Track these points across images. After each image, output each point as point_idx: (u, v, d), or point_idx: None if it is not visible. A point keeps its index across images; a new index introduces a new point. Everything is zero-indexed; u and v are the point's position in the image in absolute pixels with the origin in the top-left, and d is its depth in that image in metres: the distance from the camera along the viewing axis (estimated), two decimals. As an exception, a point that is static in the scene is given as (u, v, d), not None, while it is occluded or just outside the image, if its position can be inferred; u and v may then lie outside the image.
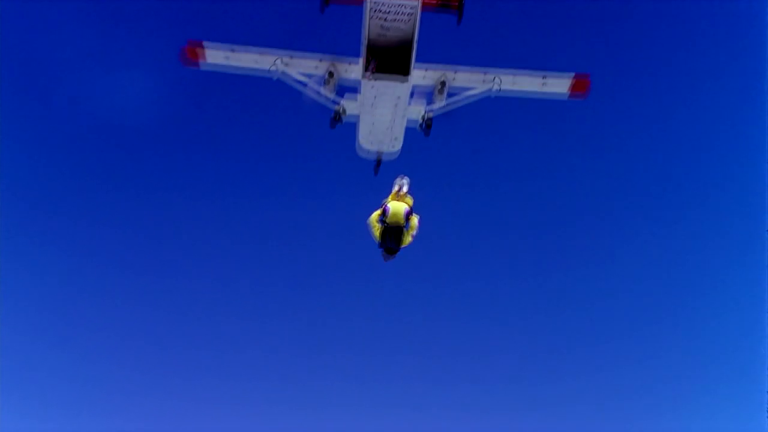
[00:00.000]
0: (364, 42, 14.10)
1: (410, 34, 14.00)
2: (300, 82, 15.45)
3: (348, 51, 15.00)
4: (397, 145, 16.91)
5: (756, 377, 26.91)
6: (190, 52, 15.12)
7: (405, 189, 14.66)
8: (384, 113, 15.63)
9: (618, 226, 37.06)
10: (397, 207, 14.33)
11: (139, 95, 32.15)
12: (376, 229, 14.45)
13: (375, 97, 15.13)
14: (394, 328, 36.89)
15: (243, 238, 36.94)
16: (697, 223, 35.47)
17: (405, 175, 14.82)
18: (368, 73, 14.54)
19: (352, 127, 16.52)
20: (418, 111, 15.82)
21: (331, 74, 15.25)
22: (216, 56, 15.19)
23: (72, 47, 32.57)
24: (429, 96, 15.69)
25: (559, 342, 36.25)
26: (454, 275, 37.32)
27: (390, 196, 14.65)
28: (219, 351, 35.55)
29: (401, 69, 14.46)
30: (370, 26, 13.87)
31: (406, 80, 14.65)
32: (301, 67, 15.35)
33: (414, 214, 14.53)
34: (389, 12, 13.65)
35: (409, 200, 14.62)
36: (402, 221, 14.26)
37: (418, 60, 14.44)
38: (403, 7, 13.56)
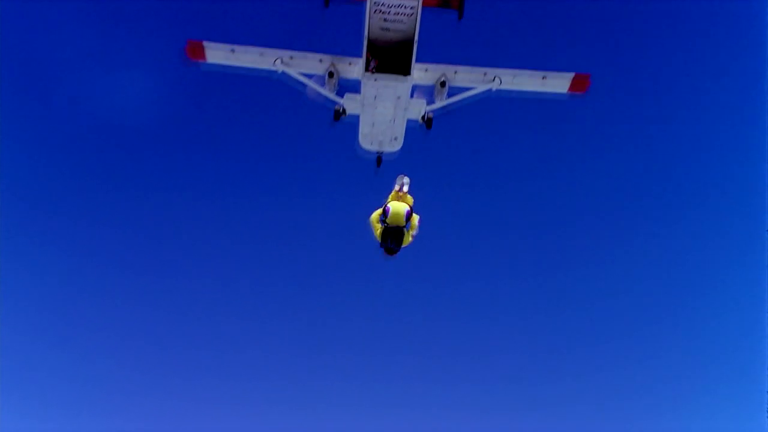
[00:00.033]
0: (365, 40, 14.13)
1: (411, 32, 14.04)
2: (301, 81, 15.48)
3: (349, 50, 15.07)
4: (398, 144, 16.95)
5: (756, 377, 26.96)
6: (190, 51, 15.16)
7: (405, 189, 14.68)
8: (385, 112, 15.67)
9: (618, 226, 37.09)
10: (398, 208, 14.33)
11: (139, 95, 32.17)
12: (377, 229, 14.46)
13: (376, 95, 15.16)
14: (394, 328, 36.91)
15: (243, 238, 36.98)
16: (697, 223, 35.52)
17: (405, 175, 14.84)
18: (369, 72, 14.58)
19: (353, 126, 16.54)
20: (418, 110, 15.85)
21: (331, 73, 15.29)
22: (216, 55, 15.23)
23: (72, 47, 32.59)
24: (429, 94, 15.73)
25: (559, 342, 36.30)
26: (454, 275, 37.35)
27: (390, 196, 14.67)
28: (219, 351, 35.58)
29: (402, 68, 14.51)
30: (371, 25, 13.92)
31: (407, 79, 14.68)
32: (302, 66, 15.39)
33: (414, 214, 14.54)
34: (390, 10, 13.69)
35: (409, 199, 14.63)
36: (402, 222, 14.27)
37: (418, 58, 14.50)
38: (404, 5, 13.60)
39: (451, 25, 14.21)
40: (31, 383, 32.00)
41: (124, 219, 34.93)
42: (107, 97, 32.16)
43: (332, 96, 15.62)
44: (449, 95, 15.58)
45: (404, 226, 14.32)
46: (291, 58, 15.26)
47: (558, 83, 15.61)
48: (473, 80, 15.56)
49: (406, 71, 14.55)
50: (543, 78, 15.51)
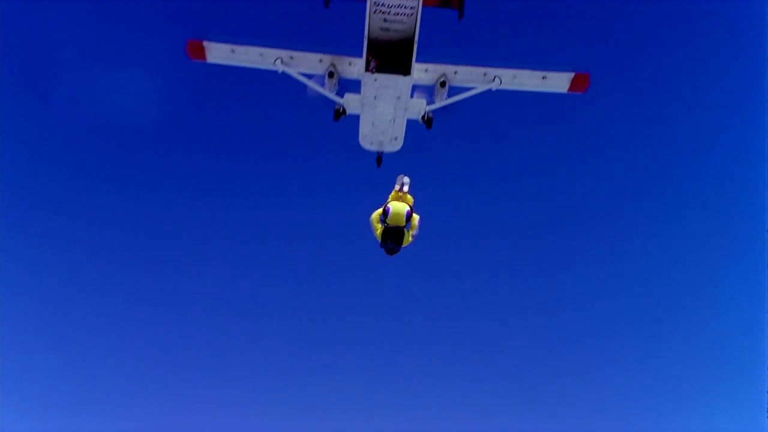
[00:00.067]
0: (366, 40, 14.13)
1: (411, 31, 14.04)
2: (304, 75, 15.48)
3: (349, 50, 15.05)
4: (398, 144, 16.95)
5: (756, 377, 26.97)
6: (194, 46, 15.15)
7: (405, 189, 14.68)
8: (385, 110, 15.67)
9: (618, 226, 37.17)
10: (398, 208, 14.32)
11: (139, 95, 32.23)
12: (377, 229, 14.47)
13: (376, 94, 15.17)
14: (394, 328, 36.97)
15: (243, 237, 37.06)
16: (697, 223, 35.58)
17: (406, 175, 14.84)
18: (369, 72, 14.58)
19: (354, 124, 16.54)
20: (418, 109, 15.85)
21: (332, 73, 15.28)
22: (216, 55, 15.24)
23: (72, 47, 32.61)
24: (429, 94, 15.73)
25: (559, 342, 36.33)
26: (455, 275, 37.37)
27: (391, 195, 14.67)
28: (219, 351, 35.62)
29: (402, 66, 14.51)
30: (371, 23, 13.92)
31: (407, 79, 14.68)
32: (302, 66, 15.40)
33: (414, 214, 14.54)
34: (391, 9, 13.69)
35: (410, 199, 14.63)
36: (403, 223, 14.27)
37: (418, 58, 14.49)
38: (404, 5, 13.60)
39: (451, 24, 14.24)
40: (31, 383, 32.09)
41: (124, 219, 35.06)
42: (107, 97, 32.24)
43: (332, 96, 15.62)
44: (449, 95, 15.59)
45: (404, 227, 14.33)
46: (291, 58, 15.25)
47: (558, 83, 15.61)
48: (473, 80, 15.57)
49: (406, 70, 14.55)
50: (543, 78, 15.51)
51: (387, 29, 14.08)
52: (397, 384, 35.36)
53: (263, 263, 37.54)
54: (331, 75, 15.29)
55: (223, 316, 36.29)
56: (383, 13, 13.76)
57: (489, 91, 15.57)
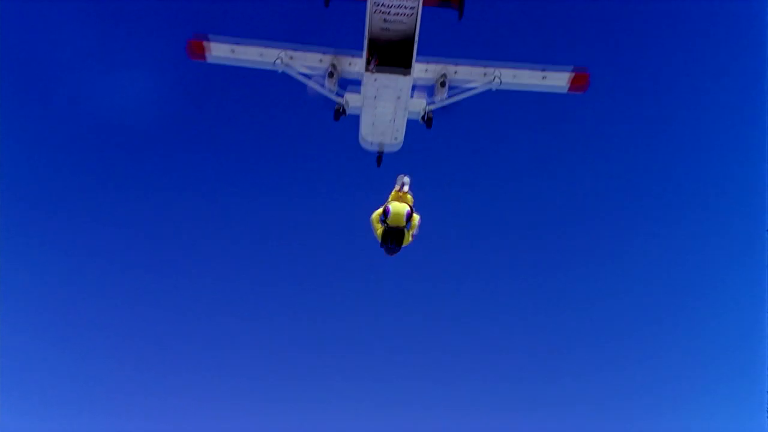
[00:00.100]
0: (366, 40, 14.15)
1: (412, 29, 14.07)
2: (304, 75, 15.51)
3: (350, 46, 15.07)
4: (398, 144, 16.98)
5: (756, 377, 26.93)
6: (195, 45, 15.20)
7: (406, 188, 14.66)
8: (386, 108, 15.70)
9: (618, 226, 37.09)
10: (399, 209, 14.28)
11: (139, 94, 32.18)
12: (378, 229, 14.45)
13: (377, 92, 15.20)
14: (394, 328, 36.89)
15: (243, 237, 37.00)
16: (697, 223, 35.53)
17: (406, 174, 14.83)
18: (369, 72, 14.59)
19: (354, 124, 16.56)
20: (418, 109, 15.87)
21: (332, 72, 15.33)
22: (220, 51, 15.29)
23: (72, 47, 32.60)
24: (430, 93, 15.75)
25: (559, 342, 36.29)
26: (455, 274, 37.35)
27: (391, 195, 14.66)
28: (219, 350, 35.59)
29: (403, 64, 14.55)
30: (372, 22, 13.95)
31: (408, 75, 14.72)
32: (304, 62, 15.44)
33: (415, 213, 14.53)
34: (391, 9, 13.72)
35: (410, 199, 14.61)
36: (403, 223, 14.24)
37: (419, 55, 14.53)
38: (405, 5, 13.62)
39: (451, 23, 14.25)
40: (31, 383, 32.06)
41: (125, 219, 34.98)
42: (107, 96, 32.21)
43: (332, 95, 15.66)
44: (449, 94, 15.61)
45: (404, 227, 14.32)
46: (291, 57, 15.29)
47: (558, 81, 15.63)
48: (473, 79, 15.60)
49: (406, 70, 14.58)
50: (543, 77, 15.54)
51: (387, 29, 14.11)
52: (397, 384, 35.34)
53: (263, 263, 37.54)
54: (331, 74, 15.33)
55: (223, 316, 36.27)
56: (383, 12, 13.80)
57: (489, 91, 15.60)
